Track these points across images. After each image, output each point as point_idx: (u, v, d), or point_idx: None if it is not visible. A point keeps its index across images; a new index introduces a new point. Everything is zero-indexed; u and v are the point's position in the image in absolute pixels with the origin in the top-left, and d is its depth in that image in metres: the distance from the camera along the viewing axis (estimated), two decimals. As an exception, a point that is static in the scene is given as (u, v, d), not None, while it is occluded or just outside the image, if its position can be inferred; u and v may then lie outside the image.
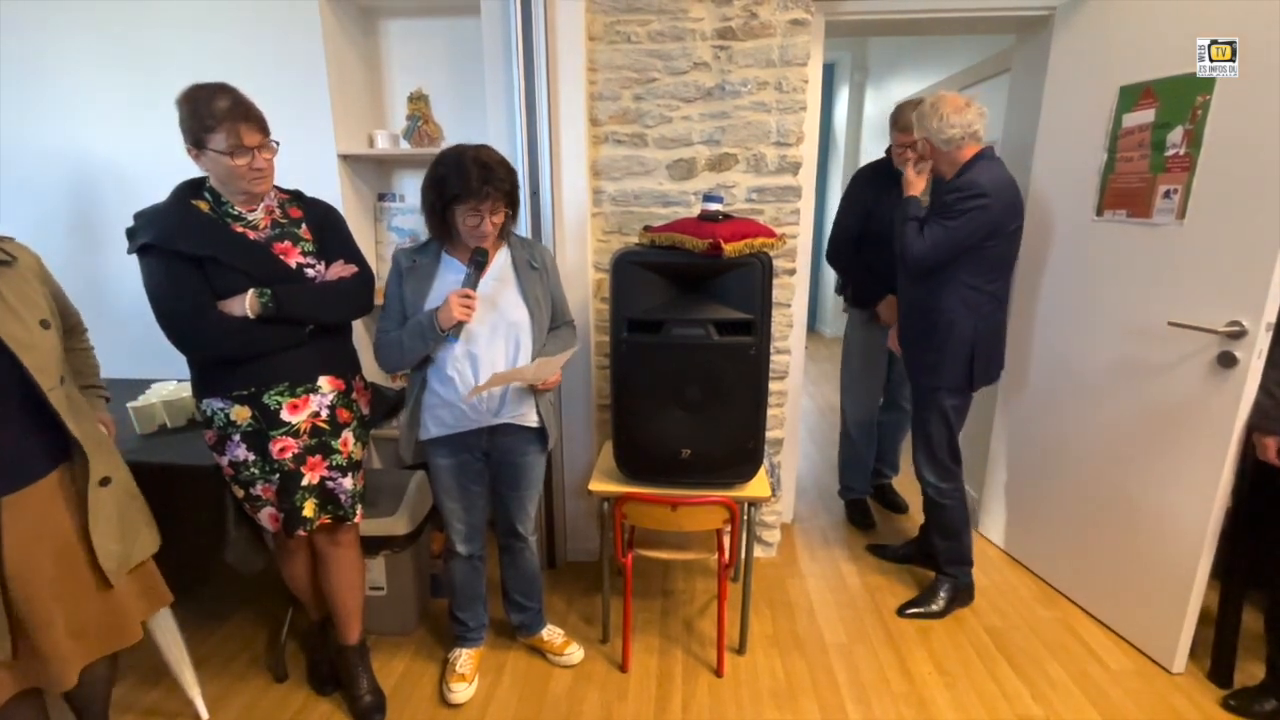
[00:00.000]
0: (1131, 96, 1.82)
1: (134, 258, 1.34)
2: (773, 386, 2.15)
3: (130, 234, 1.34)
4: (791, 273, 2.15)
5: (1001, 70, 2.84)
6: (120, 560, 1.30)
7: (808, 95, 2.01)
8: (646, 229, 1.77)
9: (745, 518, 1.80)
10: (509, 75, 1.94)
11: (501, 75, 1.96)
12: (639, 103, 2.02)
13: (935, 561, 2.10)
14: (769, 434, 2.12)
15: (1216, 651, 1.77)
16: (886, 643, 1.94)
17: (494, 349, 1.53)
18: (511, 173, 1.47)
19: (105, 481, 1.27)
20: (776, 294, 2.06)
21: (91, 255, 2.25)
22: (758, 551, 2.38)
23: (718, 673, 1.82)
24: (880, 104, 4.83)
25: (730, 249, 1.58)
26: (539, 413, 1.62)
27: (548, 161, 1.98)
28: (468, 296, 1.44)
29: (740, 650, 1.90)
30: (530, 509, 1.74)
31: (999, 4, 2.08)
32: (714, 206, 1.70)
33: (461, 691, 1.73)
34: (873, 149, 5.03)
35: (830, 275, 5.74)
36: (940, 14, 2.10)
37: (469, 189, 1.39)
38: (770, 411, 2.11)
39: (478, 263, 1.47)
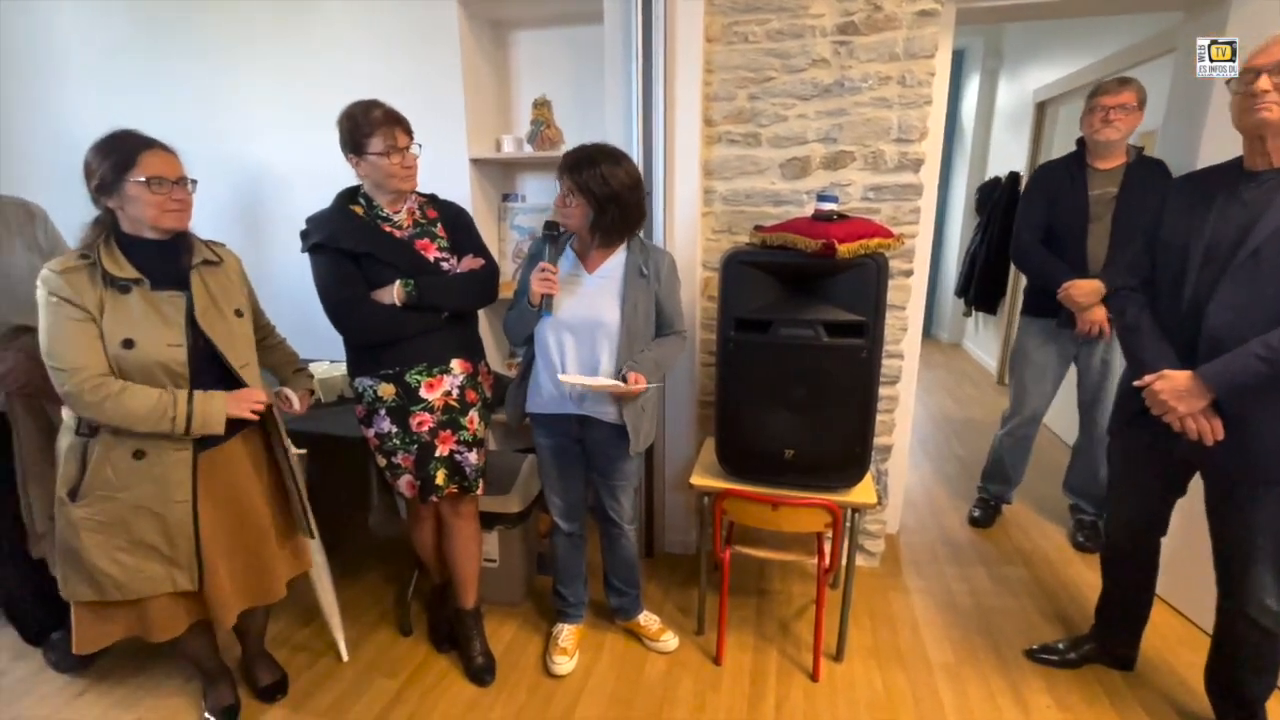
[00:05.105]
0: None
1: (287, 255, 1.56)
2: (883, 391, 2.08)
3: (303, 235, 1.55)
4: (909, 274, 2.06)
5: (1164, 51, 2.55)
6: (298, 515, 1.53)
7: (934, 89, 1.92)
8: (758, 228, 1.78)
9: (848, 523, 1.76)
10: (627, 79, 2.02)
11: (620, 79, 2.04)
12: (754, 102, 2.03)
13: (1233, 703, 1.55)
14: (877, 440, 2.05)
15: None
16: (999, 670, 1.83)
17: (581, 342, 1.60)
18: (598, 171, 1.47)
19: (285, 450, 1.51)
20: (891, 296, 1.99)
21: (257, 252, 2.57)
22: (860, 560, 2.31)
23: (813, 677, 1.80)
24: (1016, 93, 4.47)
25: (844, 250, 1.55)
26: (620, 413, 1.63)
27: (661, 162, 2.04)
28: (544, 269, 1.53)
29: (837, 658, 1.87)
30: (623, 500, 1.79)
31: (1165, -21, 1.87)
32: (828, 206, 1.68)
33: (563, 664, 1.83)
34: (1005, 142, 4.67)
35: (949, 278, 5.40)
36: (1093, -6, 1.93)
37: (559, 169, 1.53)
38: (879, 417, 2.04)
39: (548, 236, 1.57)
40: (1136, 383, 1.40)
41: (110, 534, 1.34)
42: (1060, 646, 1.84)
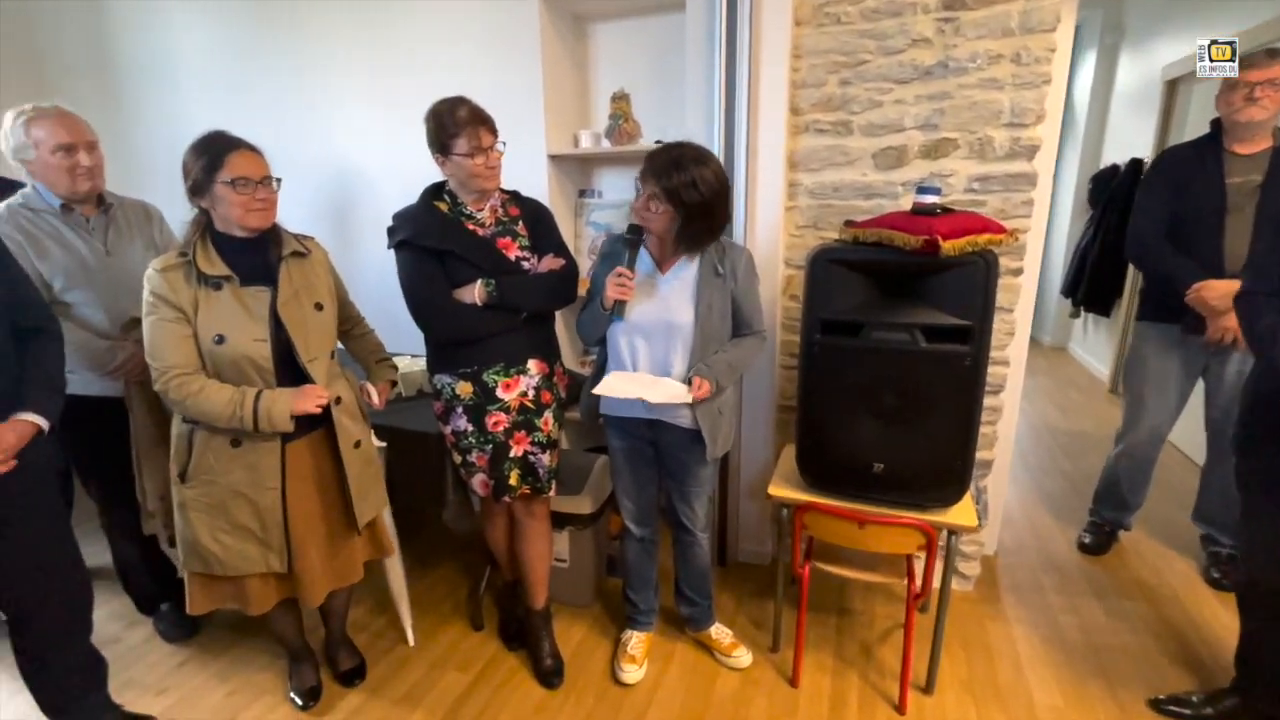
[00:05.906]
0: None
1: (373, 251, 1.56)
2: (985, 401, 1.90)
3: (390, 232, 1.56)
4: (1018, 273, 1.87)
5: (1338, 14, 2.19)
6: (361, 511, 1.54)
7: (1053, 67, 1.73)
8: (849, 224, 1.65)
9: (944, 545, 1.62)
10: (710, 67, 1.93)
11: (702, 68, 1.95)
12: (845, 88, 1.89)
13: None
14: (977, 454, 1.88)
15: None
16: (1118, 718, 1.63)
17: (652, 343, 1.54)
18: (689, 176, 1.39)
19: (357, 444, 1.52)
20: (999, 297, 1.81)
21: (344, 249, 2.65)
22: (952, 583, 2.13)
23: (899, 709, 1.67)
24: (1139, 70, 4.02)
25: (949, 247, 1.41)
26: (695, 417, 1.56)
27: (744, 154, 1.94)
28: (621, 274, 1.46)
29: (927, 690, 1.72)
30: (696, 506, 1.72)
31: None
32: (929, 199, 1.53)
33: (632, 673, 1.79)
34: (1125, 126, 4.22)
35: (1054, 275, 4.95)
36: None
37: (642, 172, 1.45)
38: (980, 429, 1.87)
39: (629, 240, 1.50)
40: None
41: (213, 515, 1.42)
42: (1194, 700, 1.61)
